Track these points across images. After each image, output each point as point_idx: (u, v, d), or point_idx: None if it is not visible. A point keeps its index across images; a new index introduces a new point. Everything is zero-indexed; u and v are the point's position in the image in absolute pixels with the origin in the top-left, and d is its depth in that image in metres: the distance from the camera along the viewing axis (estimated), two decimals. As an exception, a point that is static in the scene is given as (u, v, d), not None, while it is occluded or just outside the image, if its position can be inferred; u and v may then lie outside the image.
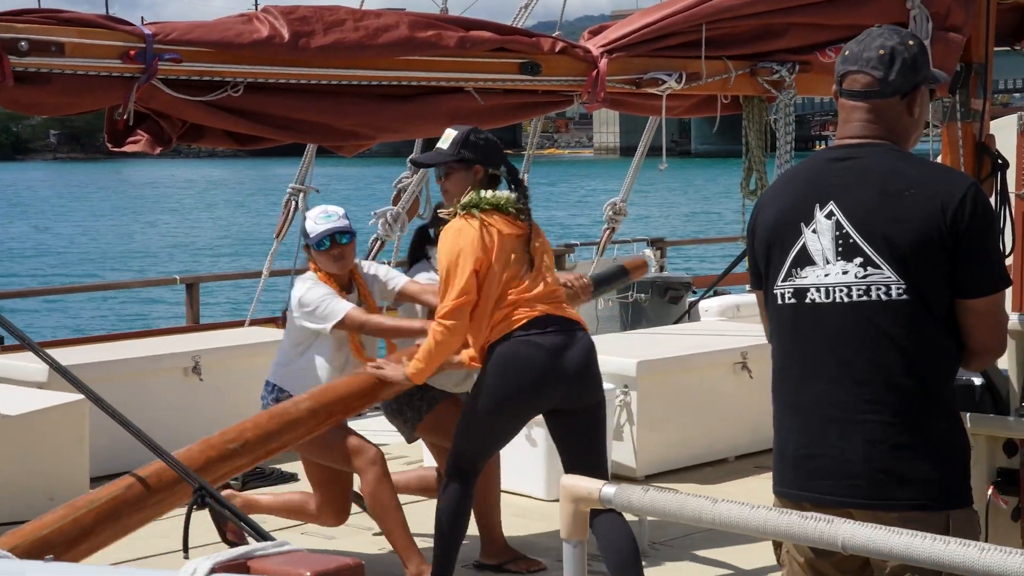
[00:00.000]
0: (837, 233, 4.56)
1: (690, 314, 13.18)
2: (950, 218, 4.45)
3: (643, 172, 13.53)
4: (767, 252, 4.74)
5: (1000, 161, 8.74)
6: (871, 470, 4.48)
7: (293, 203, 10.49)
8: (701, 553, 8.12)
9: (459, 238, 7.01)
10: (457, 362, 7.34)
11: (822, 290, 4.58)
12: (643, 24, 8.19)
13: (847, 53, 4.72)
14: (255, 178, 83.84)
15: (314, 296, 7.80)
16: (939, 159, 9.10)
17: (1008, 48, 10.78)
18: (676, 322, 13.02)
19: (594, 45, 8.06)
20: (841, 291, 4.55)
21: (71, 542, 5.92)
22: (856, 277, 4.52)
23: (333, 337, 7.85)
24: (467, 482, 7.26)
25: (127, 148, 7.41)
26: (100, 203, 71.58)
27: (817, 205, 4.62)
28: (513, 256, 7.08)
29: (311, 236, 7.83)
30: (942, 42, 8.42)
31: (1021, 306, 7.64)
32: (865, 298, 4.50)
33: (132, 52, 6.91)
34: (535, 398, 7.19)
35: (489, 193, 7.12)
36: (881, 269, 4.48)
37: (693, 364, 10.01)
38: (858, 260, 4.50)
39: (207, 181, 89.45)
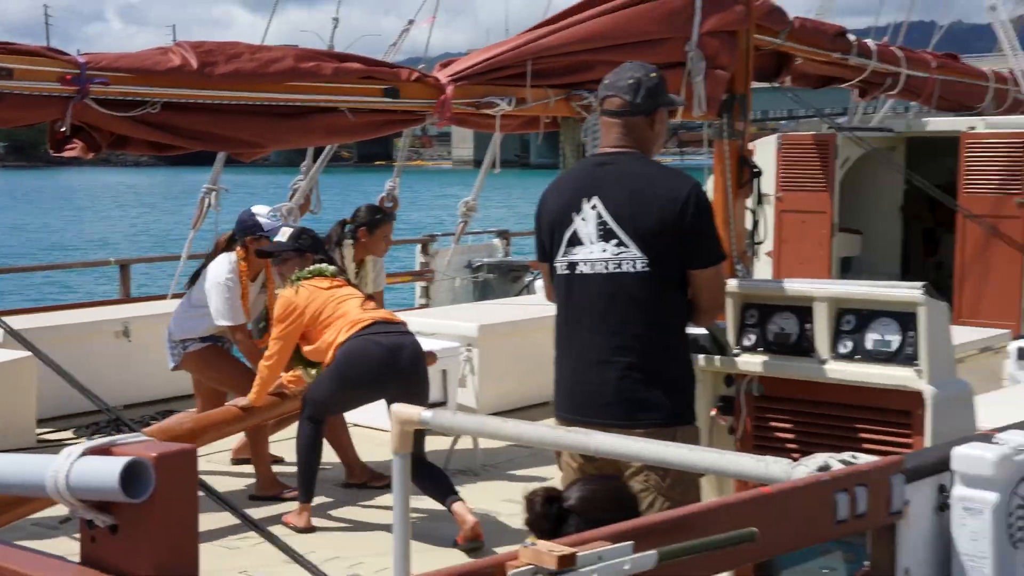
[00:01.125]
0: (598, 221, 4.84)
1: (528, 289, 13.42)
2: (679, 209, 4.77)
3: (494, 179, 13.74)
4: (550, 234, 4.99)
5: (756, 170, 8.89)
6: (620, 399, 4.81)
7: (207, 200, 10.40)
8: (521, 472, 8.20)
9: (285, 303, 7.43)
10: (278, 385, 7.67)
11: (587, 264, 4.84)
12: (482, 59, 8.21)
13: (606, 82, 5.01)
14: (171, 184, 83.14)
15: (230, 291, 8.01)
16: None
17: (769, 84, 10.98)
18: (516, 296, 13.25)
19: (443, 75, 8.06)
20: (601, 265, 4.81)
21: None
22: (612, 254, 4.79)
23: None
24: (318, 425, 7.39)
25: (65, 154, 7.34)
26: (40, 205, 70.22)
27: (584, 199, 4.87)
28: (333, 296, 7.43)
29: (266, 228, 8.11)
30: (712, 77, 8.50)
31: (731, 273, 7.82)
32: (618, 270, 4.79)
33: (69, 76, 6.80)
34: (368, 387, 7.37)
35: (309, 268, 7.58)
36: (630, 248, 4.76)
37: (523, 328, 10.08)
38: (614, 241, 4.79)
39: (126, 186, 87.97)
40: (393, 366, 7.19)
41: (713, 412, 5.44)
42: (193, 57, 7.32)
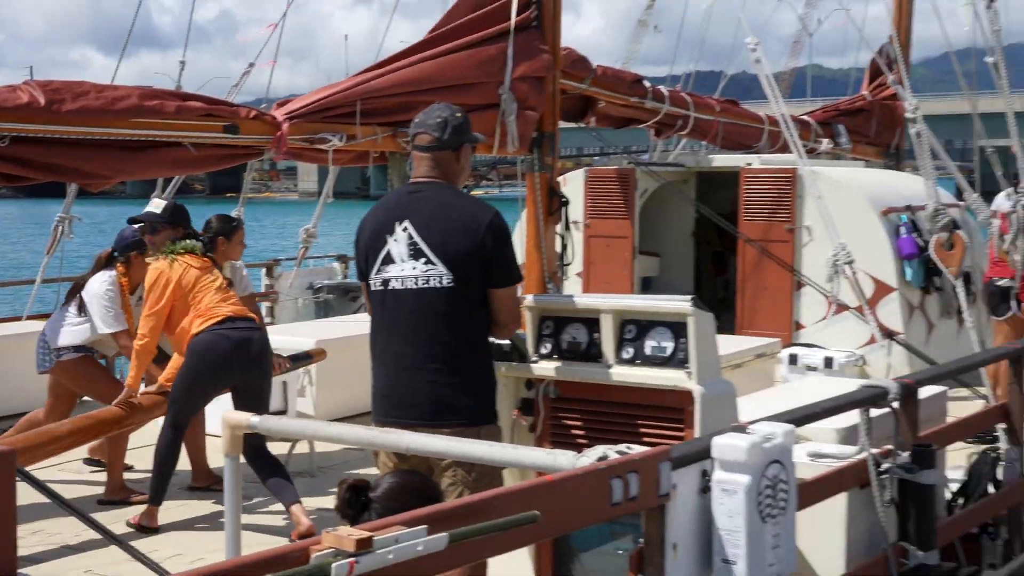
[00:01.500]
0: (409, 241, 4.91)
1: (364, 308, 13.42)
2: (480, 235, 4.84)
3: (337, 208, 13.78)
4: (366, 254, 5.04)
5: (564, 200, 9.04)
6: (430, 401, 4.86)
7: (60, 228, 10.20)
8: (354, 473, 8.17)
9: (158, 273, 7.32)
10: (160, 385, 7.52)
11: (399, 280, 4.91)
12: (316, 99, 8.18)
13: (417, 120, 5.10)
14: (27, 214, 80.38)
15: (111, 300, 7.91)
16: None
17: (577, 125, 11.18)
18: (354, 314, 13.21)
19: (279, 113, 8.01)
20: (411, 281, 4.88)
21: None
22: (420, 272, 4.86)
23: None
24: (180, 432, 7.24)
25: None
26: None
27: (396, 222, 4.94)
28: (202, 279, 7.32)
29: (130, 242, 8.15)
30: (523, 118, 8.59)
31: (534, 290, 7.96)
32: (426, 286, 4.86)
33: None
34: (217, 376, 7.26)
35: (181, 243, 7.49)
36: (437, 267, 4.84)
37: (356, 342, 10.01)
38: (422, 260, 4.85)
39: None
40: (239, 359, 7.15)
41: (515, 413, 5.52)
42: (40, 95, 7.15)
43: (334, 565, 2.73)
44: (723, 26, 15.19)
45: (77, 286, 8.23)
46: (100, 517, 6.86)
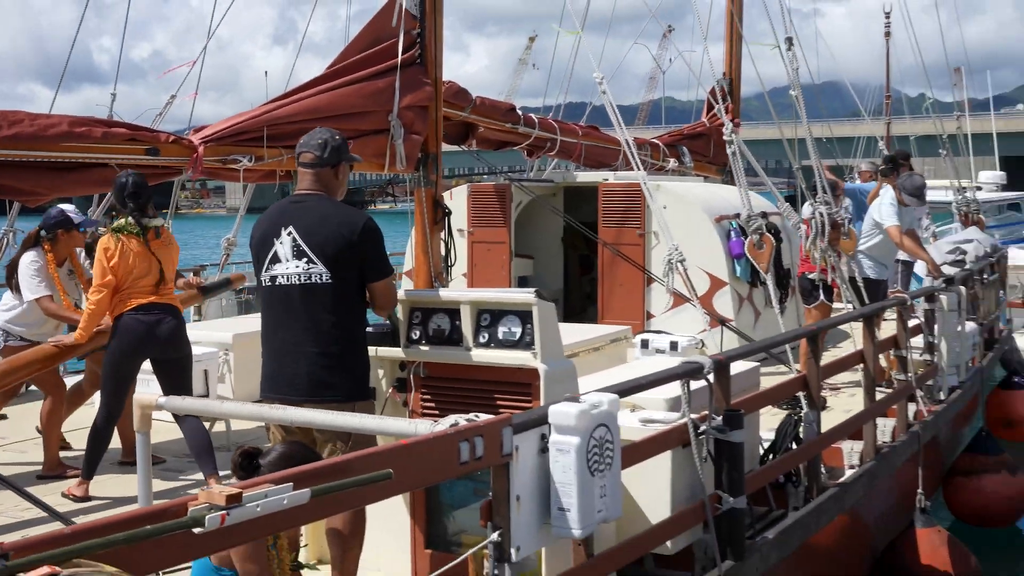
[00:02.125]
0: (293, 244, 4.88)
1: None
2: (356, 238, 4.87)
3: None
4: (257, 255, 5.04)
5: (447, 210, 9.02)
6: (309, 381, 4.86)
7: (4, 240, 9.99)
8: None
9: (105, 246, 7.07)
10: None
11: (284, 276, 4.90)
12: (228, 125, 8.07)
13: (301, 141, 5.14)
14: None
15: (37, 271, 7.78)
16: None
17: (462, 148, 11.16)
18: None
19: (196, 138, 7.88)
20: (295, 277, 4.87)
21: None
22: (303, 269, 4.87)
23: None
24: (112, 419, 7.13)
25: None
26: None
27: (282, 227, 4.90)
28: (136, 259, 7.06)
29: (76, 220, 8.08)
30: (409, 141, 8.54)
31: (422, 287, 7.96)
32: (308, 282, 4.87)
33: None
34: (135, 354, 7.05)
35: (122, 221, 7.19)
36: (317, 265, 4.82)
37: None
38: (304, 259, 4.86)
39: None
40: (151, 340, 7.00)
41: (390, 391, 5.53)
42: (-19, 124, 7.07)
43: (208, 517, 2.76)
44: (589, 64, 15.32)
45: (11, 267, 8.05)
46: (39, 490, 6.77)
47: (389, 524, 5.08)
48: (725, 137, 10.58)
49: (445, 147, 10.13)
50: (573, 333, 7.98)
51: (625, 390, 4.68)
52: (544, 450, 4.04)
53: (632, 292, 11.01)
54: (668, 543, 5.28)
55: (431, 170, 9.06)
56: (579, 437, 4.01)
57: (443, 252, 9.16)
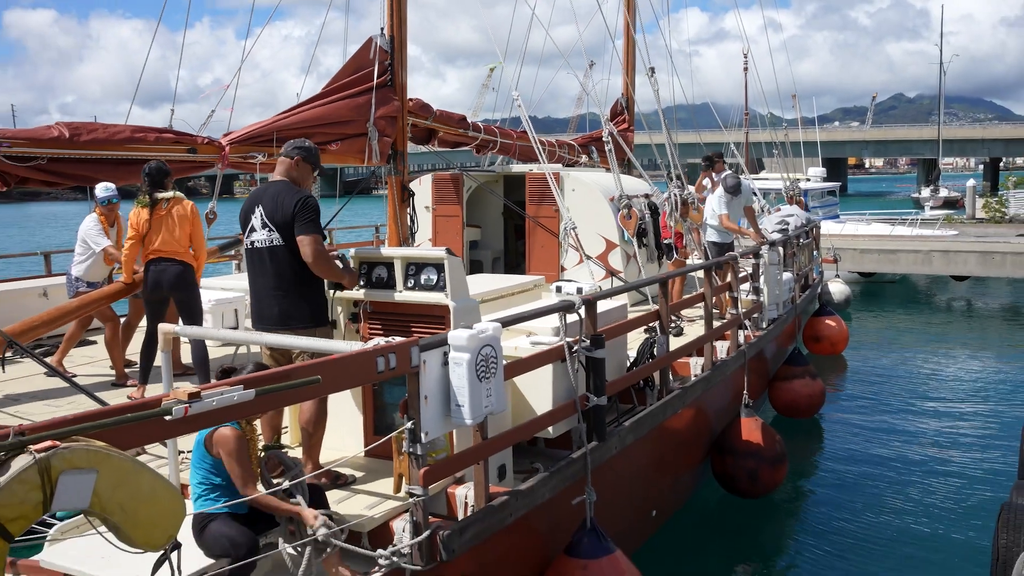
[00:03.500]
0: (260, 218, 4.83)
1: None
2: (293, 210, 4.79)
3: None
4: (243, 226, 4.98)
5: (412, 193, 8.96)
6: (280, 314, 4.80)
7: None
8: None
9: (132, 214, 7.16)
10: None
11: (259, 242, 4.85)
12: (247, 131, 7.97)
13: (287, 144, 5.09)
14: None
15: (97, 230, 7.82)
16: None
17: (422, 147, 11.01)
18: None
19: (224, 140, 7.84)
20: (264, 242, 4.84)
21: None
22: (266, 237, 4.84)
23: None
24: (153, 336, 7.07)
25: None
26: None
27: (257, 205, 4.87)
28: (143, 224, 7.05)
29: (100, 197, 7.90)
30: (383, 142, 8.44)
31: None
32: (270, 245, 4.86)
33: None
34: (151, 292, 7.05)
35: (140, 197, 7.17)
36: (275, 232, 4.80)
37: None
38: (267, 229, 4.84)
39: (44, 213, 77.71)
40: (158, 283, 6.98)
41: (346, 322, 5.53)
42: (66, 131, 6.95)
43: (175, 407, 2.81)
44: (536, 88, 15.20)
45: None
46: (110, 395, 6.77)
47: (349, 418, 5.14)
48: (604, 137, 10.65)
49: (414, 147, 10.09)
50: (503, 281, 7.98)
51: (508, 320, 4.72)
52: (446, 363, 4.11)
53: (550, 252, 11.02)
54: (551, 429, 5.37)
55: (399, 163, 9.03)
56: (469, 354, 4.08)
57: (409, 222, 9.17)
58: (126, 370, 7.63)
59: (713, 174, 11.25)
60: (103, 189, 7.93)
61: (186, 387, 2.88)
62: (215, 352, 8.22)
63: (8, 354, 6.97)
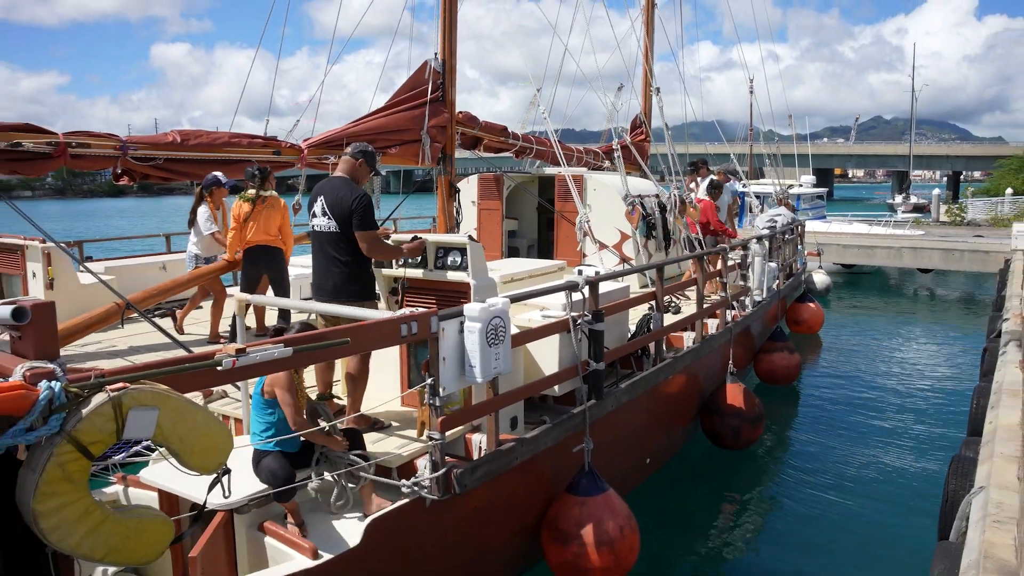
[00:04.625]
0: (322, 207, 4.77)
1: None
2: (351, 206, 4.69)
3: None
4: (309, 213, 4.89)
5: (457, 189, 8.91)
6: (333, 287, 4.70)
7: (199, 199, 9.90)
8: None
9: (235, 206, 7.17)
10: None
11: (319, 226, 4.77)
12: (323, 136, 7.97)
13: (349, 146, 4.97)
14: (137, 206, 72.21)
15: (207, 217, 7.76)
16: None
17: (469, 153, 10.93)
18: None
19: (303, 144, 7.88)
20: (322, 227, 4.75)
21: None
22: (326, 223, 4.74)
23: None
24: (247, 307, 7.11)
25: (120, 183, 7.04)
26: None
27: (321, 196, 4.80)
28: (243, 215, 7.09)
29: (223, 183, 7.79)
30: (433, 147, 8.45)
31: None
32: (329, 231, 4.73)
33: (117, 146, 6.53)
34: (248, 270, 7.09)
35: (246, 192, 7.21)
36: (333, 221, 4.71)
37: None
38: (327, 217, 4.75)
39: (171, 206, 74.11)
40: (254, 264, 7.03)
41: (386, 295, 5.44)
42: (178, 136, 7.06)
43: (224, 360, 2.84)
44: (571, 106, 14.91)
45: (192, 214, 8.02)
46: (202, 350, 6.83)
47: (390, 374, 5.15)
48: (615, 151, 10.44)
49: (463, 153, 10.04)
50: (532, 264, 7.92)
51: (516, 296, 4.68)
52: (462, 331, 4.09)
53: (574, 241, 10.87)
54: (556, 388, 5.32)
55: (447, 165, 9.02)
56: (481, 323, 4.05)
57: (454, 214, 9.14)
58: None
59: (698, 178, 10.96)
60: (213, 176, 7.96)
61: (236, 344, 2.90)
62: (296, 318, 8.32)
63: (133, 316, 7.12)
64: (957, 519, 4.34)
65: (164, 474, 3.98)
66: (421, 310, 3.88)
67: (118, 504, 4.10)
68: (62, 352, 2.69)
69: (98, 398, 2.51)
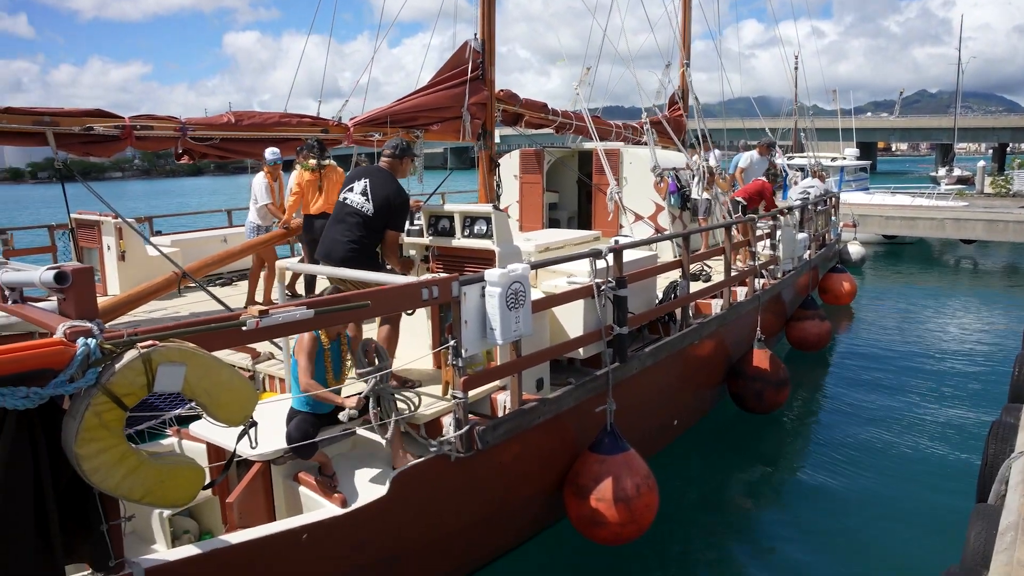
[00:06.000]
0: (362, 188, 4.68)
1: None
2: (393, 200, 4.63)
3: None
4: (347, 184, 4.85)
5: (498, 164, 8.80)
6: (342, 258, 4.57)
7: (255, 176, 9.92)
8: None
9: (297, 175, 7.16)
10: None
11: (351, 201, 4.68)
12: (368, 115, 7.95)
13: (387, 143, 4.90)
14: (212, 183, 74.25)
15: (264, 187, 7.79)
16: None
17: (511, 129, 10.78)
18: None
19: (350, 123, 7.90)
20: (356, 204, 4.66)
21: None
22: (363, 201, 4.64)
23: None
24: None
25: (181, 161, 7.10)
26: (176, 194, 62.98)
27: (363, 176, 4.76)
28: (307, 185, 7.08)
29: (268, 159, 7.63)
30: (474, 123, 8.37)
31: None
32: (360, 209, 4.64)
33: (177, 128, 6.60)
34: (308, 237, 7.02)
35: (307, 162, 7.21)
36: (369, 204, 4.62)
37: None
38: (364, 197, 4.64)
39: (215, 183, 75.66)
40: (313, 230, 7.00)
41: (419, 261, 5.39)
42: (233, 117, 7.10)
43: (248, 320, 2.87)
44: (620, 83, 14.53)
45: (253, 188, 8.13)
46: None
47: (422, 335, 5.17)
48: (645, 128, 10.15)
49: (506, 130, 9.89)
50: (568, 234, 7.74)
51: (537, 264, 4.61)
52: (483, 295, 4.06)
53: (605, 210, 10.67)
54: (581, 351, 5.27)
55: (488, 140, 8.94)
56: (501, 288, 4.01)
57: (495, 186, 9.07)
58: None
59: (700, 151, 10.56)
60: (271, 153, 7.86)
61: (259, 306, 2.93)
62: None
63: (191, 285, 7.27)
64: (996, 482, 4.24)
65: (210, 428, 4.09)
66: (443, 275, 3.85)
67: (171, 452, 4.24)
68: (129, 316, 2.76)
69: (130, 354, 2.57)
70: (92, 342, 2.51)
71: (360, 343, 4.04)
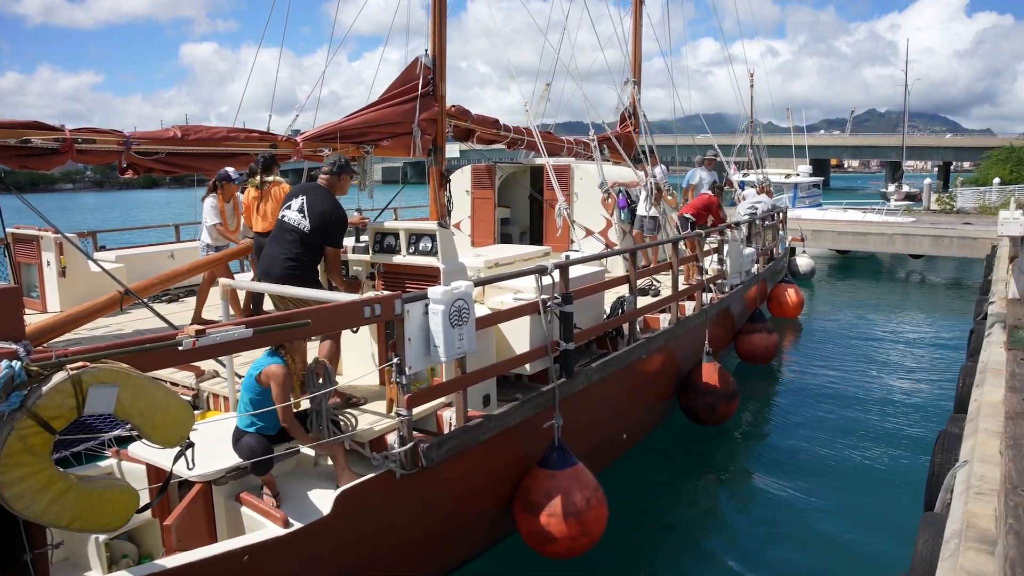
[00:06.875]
0: (299, 205, 4.70)
1: None
2: (330, 219, 4.65)
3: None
4: (285, 203, 4.88)
5: (448, 179, 8.85)
6: (279, 277, 4.57)
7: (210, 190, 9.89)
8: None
9: (245, 193, 7.15)
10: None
11: (289, 219, 4.71)
12: (317, 130, 7.88)
13: (326, 159, 4.97)
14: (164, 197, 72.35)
15: (214, 208, 7.68)
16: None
17: (463, 143, 10.84)
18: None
19: (299, 138, 7.84)
20: (294, 222, 4.68)
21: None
22: (299, 219, 4.66)
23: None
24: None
25: (126, 175, 6.94)
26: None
27: (301, 194, 4.77)
28: (252, 201, 7.07)
29: (232, 177, 7.70)
30: (424, 139, 8.34)
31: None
32: (297, 227, 4.66)
33: (120, 141, 6.50)
34: (257, 255, 6.95)
35: (252, 179, 7.19)
36: (306, 220, 4.64)
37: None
38: (301, 215, 4.66)
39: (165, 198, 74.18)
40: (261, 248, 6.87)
41: (364, 279, 5.45)
42: (179, 132, 7.02)
43: (184, 340, 2.89)
44: (577, 99, 14.68)
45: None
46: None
47: (366, 353, 5.19)
48: (592, 145, 10.40)
49: (466, 146, 9.98)
50: (518, 249, 7.80)
51: (481, 281, 4.69)
52: (426, 313, 4.12)
53: (561, 228, 10.85)
54: (528, 367, 5.35)
55: (438, 156, 8.98)
56: (444, 306, 4.07)
57: (445, 202, 9.10)
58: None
59: (648, 167, 10.89)
60: (233, 172, 7.84)
61: (196, 326, 2.95)
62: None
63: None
64: (942, 491, 4.36)
65: (149, 449, 4.05)
66: (386, 293, 3.91)
67: (112, 476, 4.18)
68: (71, 335, 2.75)
69: (58, 376, 2.58)
70: (17, 364, 2.50)
71: (307, 366, 4.06)
